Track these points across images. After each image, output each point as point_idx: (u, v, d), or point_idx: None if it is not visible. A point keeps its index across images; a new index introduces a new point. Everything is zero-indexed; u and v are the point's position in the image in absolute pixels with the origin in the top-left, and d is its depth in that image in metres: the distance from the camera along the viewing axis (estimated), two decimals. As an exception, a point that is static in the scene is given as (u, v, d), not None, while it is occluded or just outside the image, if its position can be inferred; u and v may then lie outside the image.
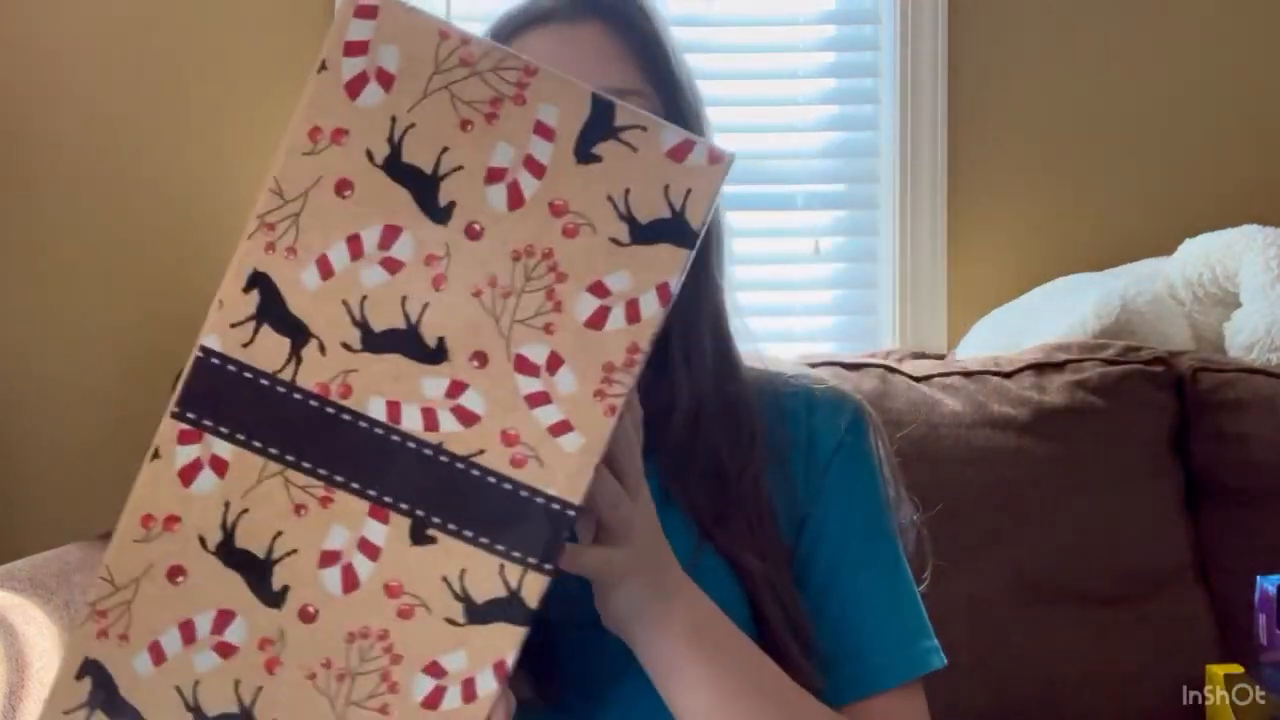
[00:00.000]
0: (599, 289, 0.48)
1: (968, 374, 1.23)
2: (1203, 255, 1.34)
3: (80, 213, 1.54)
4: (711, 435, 0.67)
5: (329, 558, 0.48)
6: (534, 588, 0.48)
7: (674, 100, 0.70)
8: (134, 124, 1.54)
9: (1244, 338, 1.26)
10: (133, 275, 1.54)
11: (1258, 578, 1.06)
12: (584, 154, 0.49)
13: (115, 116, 1.54)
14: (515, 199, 0.48)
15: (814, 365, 1.20)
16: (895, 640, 0.68)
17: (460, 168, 0.49)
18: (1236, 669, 1.04)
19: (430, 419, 0.48)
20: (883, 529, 0.71)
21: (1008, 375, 1.22)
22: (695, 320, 0.69)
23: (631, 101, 0.68)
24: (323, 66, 0.49)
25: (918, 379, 1.23)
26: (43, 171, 1.54)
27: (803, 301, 1.63)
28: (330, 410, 0.48)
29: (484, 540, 0.48)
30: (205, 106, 1.55)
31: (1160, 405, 1.20)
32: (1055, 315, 1.34)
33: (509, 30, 0.72)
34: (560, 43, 0.70)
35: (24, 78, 1.54)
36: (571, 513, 0.48)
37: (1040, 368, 1.22)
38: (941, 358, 1.36)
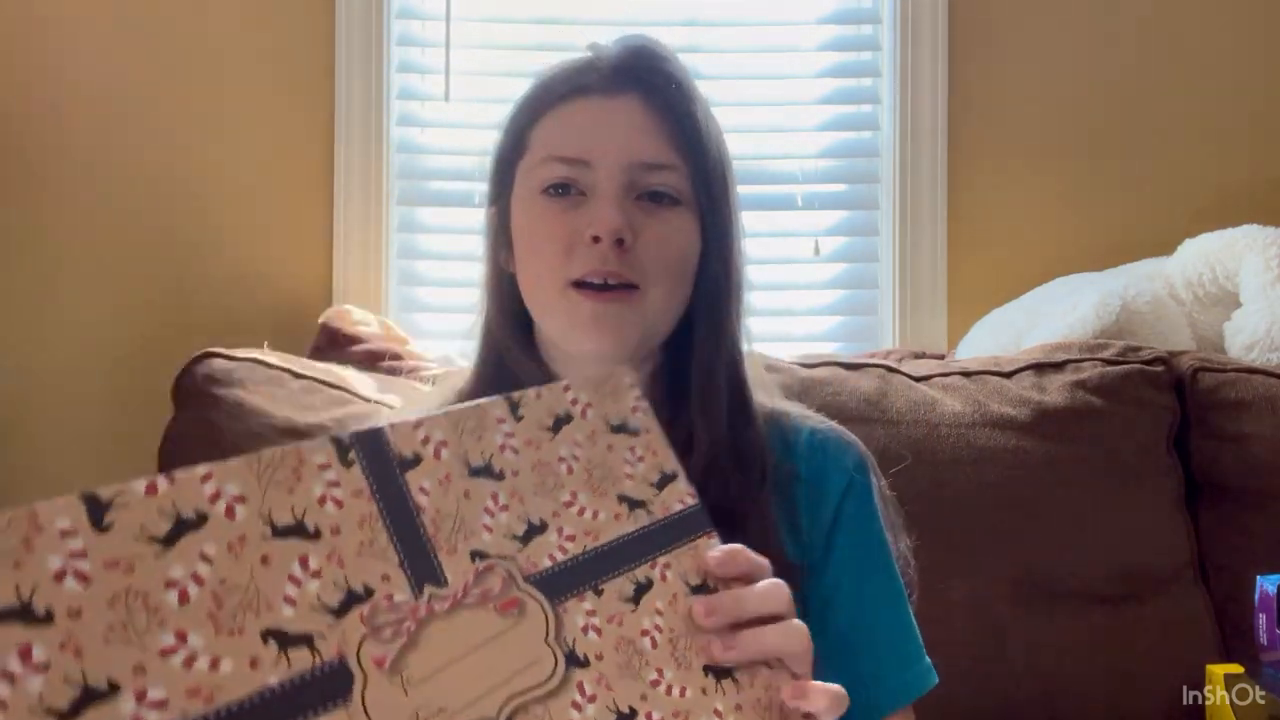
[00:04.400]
0: None
1: (968, 374, 1.23)
2: (1203, 255, 1.34)
3: (81, 214, 1.54)
4: (724, 477, 0.70)
5: None
6: None
7: (702, 173, 0.73)
8: (135, 125, 1.54)
9: (1244, 338, 1.26)
10: (132, 275, 1.54)
11: (1258, 578, 1.06)
12: None
13: (116, 117, 1.54)
14: None
15: (814, 365, 1.21)
16: (900, 665, 0.73)
17: None
18: (1236, 669, 1.04)
19: None
20: (888, 563, 0.76)
21: (1008, 375, 1.22)
22: (714, 372, 0.73)
23: (662, 174, 0.73)
24: None
25: (918, 379, 1.23)
26: (44, 173, 1.54)
27: (803, 302, 1.63)
28: None
29: None
30: (207, 107, 1.55)
31: (1160, 405, 1.20)
32: (1055, 315, 1.34)
33: (548, 101, 0.75)
34: (598, 114, 0.73)
35: (26, 80, 1.54)
36: None
37: (1040, 368, 1.22)
38: (941, 358, 1.36)
